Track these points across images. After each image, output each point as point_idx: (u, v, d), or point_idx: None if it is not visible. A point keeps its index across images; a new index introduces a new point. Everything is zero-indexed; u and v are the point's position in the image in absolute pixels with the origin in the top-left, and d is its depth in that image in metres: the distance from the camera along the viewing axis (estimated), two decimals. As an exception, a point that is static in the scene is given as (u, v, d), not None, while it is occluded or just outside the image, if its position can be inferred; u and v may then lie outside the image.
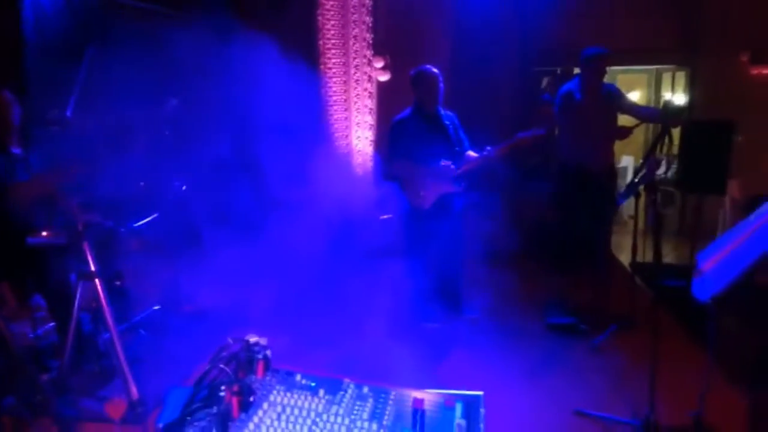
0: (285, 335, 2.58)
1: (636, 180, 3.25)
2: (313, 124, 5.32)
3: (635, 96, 8.58)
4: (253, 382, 1.60)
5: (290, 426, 1.41)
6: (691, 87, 7.28)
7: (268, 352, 1.69)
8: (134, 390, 2.77)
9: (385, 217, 5.56)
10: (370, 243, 4.75)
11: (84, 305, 3.02)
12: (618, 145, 4.93)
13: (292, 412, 1.47)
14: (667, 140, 3.38)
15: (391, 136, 4.19)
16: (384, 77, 6.53)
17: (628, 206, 6.34)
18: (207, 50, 4.71)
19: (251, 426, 1.39)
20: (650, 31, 6.97)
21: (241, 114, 4.81)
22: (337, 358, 3.26)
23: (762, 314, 2.80)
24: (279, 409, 1.49)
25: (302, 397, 1.54)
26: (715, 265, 1.84)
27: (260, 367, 1.66)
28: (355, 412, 1.50)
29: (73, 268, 3.05)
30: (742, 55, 6.62)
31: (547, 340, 4.10)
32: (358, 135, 6.44)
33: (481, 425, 1.50)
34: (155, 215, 3.51)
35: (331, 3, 5.98)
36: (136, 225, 3.38)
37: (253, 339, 1.69)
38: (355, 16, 6.23)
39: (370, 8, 6.28)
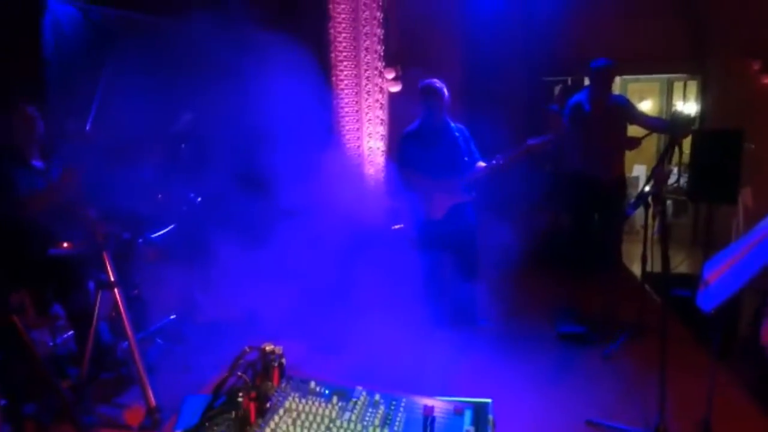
0: (297, 343, 2.64)
1: (645, 190, 3.28)
2: (324, 135, 5.39)
3: (647, 105, 8.59)
4: (269, 389, 1.65)
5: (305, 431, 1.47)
6: (703, 96, 7.28)
7: (283, 361, 1.75)
8: (151, 397, 2.84)
9: (397, 227, 5.60)
10: (382, 252, 4.80)
11: (103, 314, 3.10)
12: (630, 154, 4.96)
13: (306, 418, 1.52)
14: (677, 150, 3.41)
15: (400, 148, 4.26)
16: (395, 88, 6.60)
17: (640, 216, 6.36)
18: (219, 64, 4.81)
19: (268, 431, 1.45)
20: (661, 40, 6.98)
21: (254, 126, 4.89)
22: (349, 365, 3.30)
23: None
24: (294, 415, 1.54)
25: (316, 404, 1.59)
26: (720, 277, 1.87)
27: (276, 374, 1.71)
28: (367, 418, 1.54)
29: (92, 278, 3.14)
30: (754, 64, 6.62)
31: (558, 349, 4.12)
32: (370, 146, 6.51)
33: (490, 432, 1.55)
34: (171, 227, 3.59)
35: (343, 16, 6.07)
36: (152, 236, 3.45)
37: (269, 347, 1.74)
38: (366, 28, 6.31)
39: (381, 21, 6.36)
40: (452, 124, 4.19)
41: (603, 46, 5.90)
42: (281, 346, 1.79)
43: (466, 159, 4.12)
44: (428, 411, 1.52)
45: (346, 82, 6.16)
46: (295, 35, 4.97)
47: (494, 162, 4.03)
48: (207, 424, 1.55)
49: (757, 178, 5.39)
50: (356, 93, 6.33)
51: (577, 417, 3.19)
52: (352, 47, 6.21)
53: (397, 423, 1.54)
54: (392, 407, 1.62)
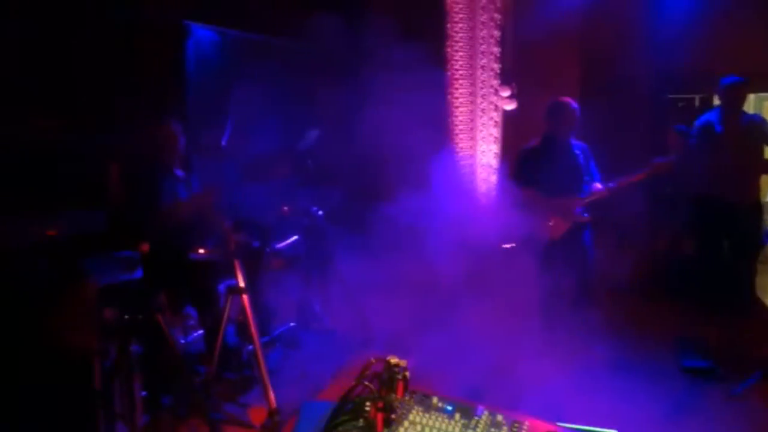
0: (409, 356, 2.66)
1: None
2: (438, 152, 5.45)
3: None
4: (394, 400, 1.70)
5: (430, 445, 1.50)
6: None
7: (407, 374, 1.80)
8: (273, 400, 2.99)
9: (508, 246, 5.54)
10: (496, 269, 4.77)
11: (231, 317, 3.32)
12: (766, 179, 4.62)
13: (431, 432, 1.55)
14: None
15: (519, 165, 4.22)
16: (510, 106, 6.55)
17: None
18: (343, 83, 5.02)
19: (395, 441, 1.49)
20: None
21: (373, 142, 5.05)
22: (461, 381, 3.31)
23: None
24: (419, 428, 1.59)
25: (439, 420, 1.63)
26: None
27: (400, 387, 1.76)
28: (490, 438, 1.56)
29: (223, 283, 3.38)
30: None
31: (681, 384, 3.89)
32: (483, 163, 6.50)
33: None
34: (295, 238, 3.77)
35: (461, 35, 6.14)
36: (278, 246, 3.65)
37: (393, 360, 1.80)
38: (483, 47, 6.33)
39: (498, 39, 6.36)
40: (574, 142, 4.11)
41: (732, 61, 5.55)
42: (406, 360, 1.85)
43: (586, 179, 4.02)
44: (554, 436, 1.51)
45: (461, 100, 6.21)
46: (414, 55, 5.10)
47: (613, 183, 3.90)
48: (335, 429, 1.62)
49: None
50: (471, 111, 6.35)
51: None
52: (468, 65, 6.26)
53: (520, 446, 1.54)
54: (514, 429, 1.63)
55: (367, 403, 1.63)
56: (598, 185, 4.01)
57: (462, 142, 6.25)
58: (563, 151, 4.07)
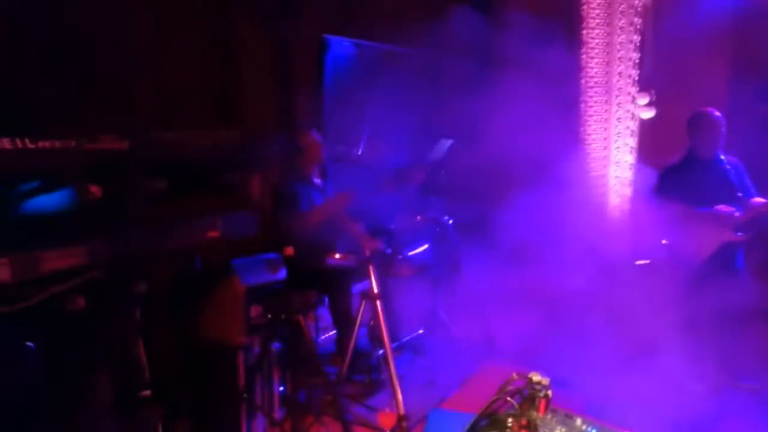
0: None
1: None
2: (570, 162, 5.29)
3: None
4: (536, 419, 1.67)
5: (577, 469, 1.45)
6: None
7: (550, 392, 1.76)
8: (402, 405, 3.03)
9: (642, 262, 5.26)
10: (628, 286, 4.55)
11: (363, 322, 3.42)
12: None
13: (577, 455, 1.50)
14: None
15: (662, 182, 3.99)
16: (648, 115, 6.21)
17: None
18: (475, 93, 5.01)
19: (540, 461, 1.46)
20: None
21: (502, 153, 5.00)
22: (589, 401, 3.18)
23: None
24: (563, 449, 1.54)
25: (585, 442, 1.57)
26: None
27: (542, 405, 1.72)
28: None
29: (357, 288, 3.49)
30: None
31: None
32: (617, 175, 6.20)
33: None
34: (425, 246, 3.82)
35: (597, 41, 5.92)
36: (409, 254, 3.71)
37: (536, 377, 1.77)
38: (621, 53, 6.06)
39: (637, 44, 6.06)
40: (723, 157, 3.82)
41: None
42: (548, 378, 1.81)
43: (739, 195, 3.72)
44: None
45: (595, 108, 5.98)
46: (547, 63, 4.99)
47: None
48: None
49: None
50: (606, 120, 6.09)
51: None
52: (603, 72, 6.01)
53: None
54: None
55: (510, 420, 1.62)
56: (759, 199, 3.68)
57: (595, 152, 6.00)
58: (710, 167, 3.79)
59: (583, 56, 5.82)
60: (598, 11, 5.92)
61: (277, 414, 3.06)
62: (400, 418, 2.97)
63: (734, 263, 3.74)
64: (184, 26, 3.33)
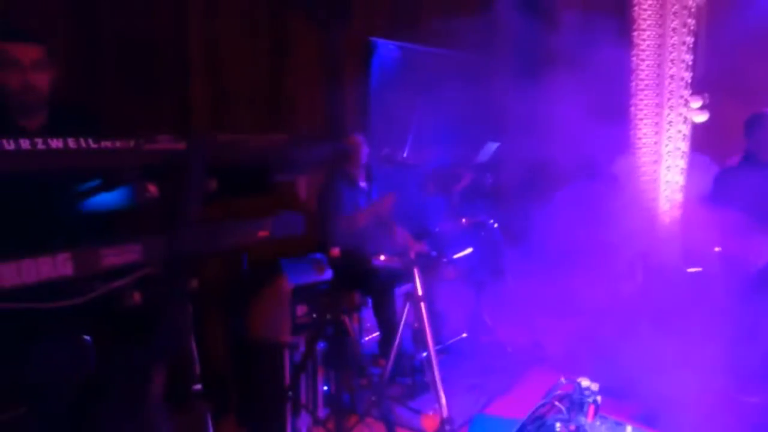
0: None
1: None
2: (620, 166, 5.19)
3: None
4: (584, 424, 1.65)
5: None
6: None
7: (599, 398, 1.73)
8: (445, 408, 3.02)
9: (694, 270, 5.11)
10: (678, 294, 4.44)
11: (407, 323, 3.42)
12: None
13: (628, 463, 1.48)
14: None
15: (718, 186, 3.87)
16: (701, 118, 6.04)
17: None
18: (520, 94, 4.97)
19: (590, 468, 1.45)
20: None
21: (550, 156, 4.93)
22: (640, 411, 3.12)
23: None
24: (613, 457, 1.52)
25: (635, 450, 1.55)
26: None
27: (591, 411, 1.70)
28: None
29: (402, 290, 3.50)
30: None
31: None
32: (668, 179, 6.04)
33: None
34: (470, 249, 3.80)
35: (648, 43, 5.78)
36: (454, 256, 3.70)
37: (585, 382, 1.75)
38: (673, 54, 5.90)
39: (691, 45, 5.89)
40: (785, 161, 3.69)
41: None
42: (597, 383, 1.78)
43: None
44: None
45: (645, 111, 5.84)
46: (597, 65, 4.91)
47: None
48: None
49: None
50: (656, 123, 5.94)
51: None
52: (655, 75, 5.87)
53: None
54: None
55: (558, 425, 1.60)
56: None
57: (645, 156, 5.86)
58: (769, 171, 3.66)
59: (634, 58, 5.70)
60: (649, 12, 5.79)
61: (321, 413, 3.09)
62: (444, 421, 2.96)
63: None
64: (238, 29, 3.41)
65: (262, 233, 2.19)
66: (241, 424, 3.06)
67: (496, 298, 4.05)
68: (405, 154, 3.82)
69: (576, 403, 1.71)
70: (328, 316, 2.76)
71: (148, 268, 1.82)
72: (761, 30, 5.82)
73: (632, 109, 5.73)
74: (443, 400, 3.05)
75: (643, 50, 5.77)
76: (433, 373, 3.12)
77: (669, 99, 6.00)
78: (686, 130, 6.07)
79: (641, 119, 5.88)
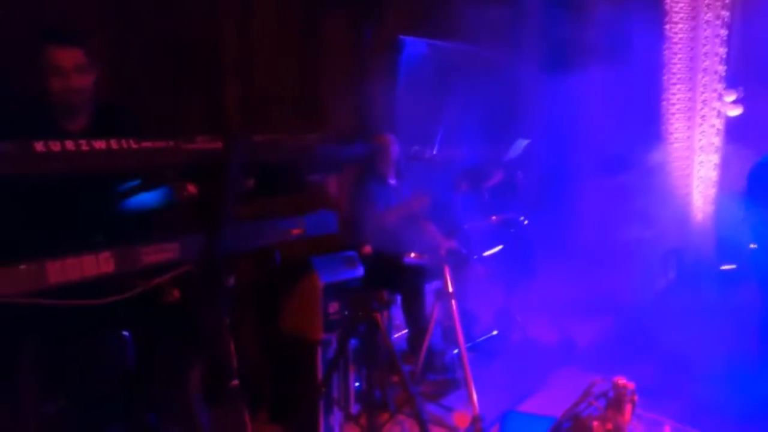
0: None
1: None
2: (651, 161, 5.11)
3: None
4: (621, 423, 1.64)
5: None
6: None
7: (635, 397, 1.72)
8: (477, 405, 3.03)
9: (727, 267, 5.02)
10: (712, 291, 4.37)
11: (437, 321, 3.43)
12: None
13: (669, 462, 1.47)
14: None
15: (752, 182, 3.79)
16: (735, 112, 5.91)
17: None
18: (550, 90, 4.93)
19: (630, 466, 1.44)
20: None
21: (581, 152, 4.90)
22: (677, 410, 3.07)
23: None
24: (652, 456, 1.51)
25: (675, 450, 1.53)
26: None
27: (628, 409, 1.69)
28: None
29: (432, 287, 3.51)
30: None
31: None
32: (701, 175, 5.93)
33: None
34: (500, 246, 3.79)
35: (680, 36, 5.68)
36: (484, 254, 3.70)
37: (621, 381, 1.74)
38: (706, 47, 5.79)
39: (725, 38, 5.77)
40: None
41: None
42: (633, 382, 1.77)
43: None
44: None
45: (678, 106, 5.74)
46: (628, 59, 4.85)
47: None
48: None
49: None
50: (689, 118, 5.83)
51: None
52: (688, 68, 5.76)
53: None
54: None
55: (595, 423, 1.59)
56: None
57: (678, 151, 5.76)
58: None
59: (666, 52, 5.61)
60: (682, 5, 5.68)
61: (353, 409, 3.12)
62: (475, 419, 2.96)
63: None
64: (270, 29, 3.44)
65: (296, 231, 2.22)
66: (274, 420, 3.10)
67: (526, 296, 4.03)
68: (434, 152, 3.82)
69: (613, 401, 1.70)
70: (360, 313, 2.77)
71: (186, 266, 1.86)
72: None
73: (664, 103, 5.64)
74: (474, 397, 3.05)
75: (675, 43, 5.67)
76: (463, 370, 3.13)
77: (702, 93, 5.89)
78: (720, 124, 5.95)
79: (674, 114, 5.78)
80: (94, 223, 1.91)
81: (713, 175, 5.95)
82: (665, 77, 5.64)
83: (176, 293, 1.84)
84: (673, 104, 5.72)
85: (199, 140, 1.77)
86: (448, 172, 3.60)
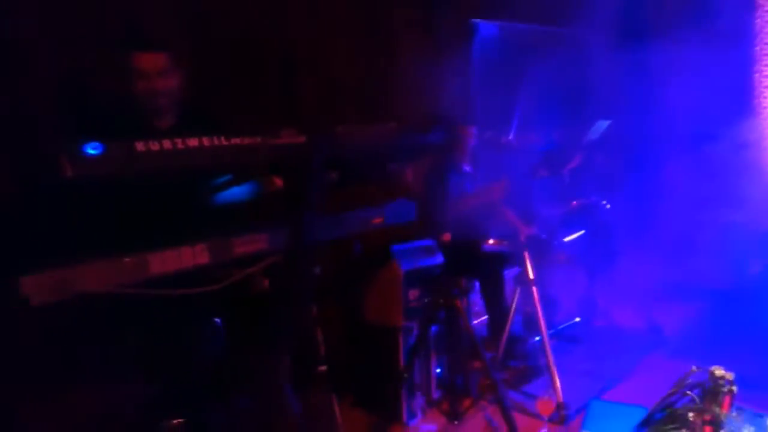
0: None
1: None
2: (742, 139, 4.82)
3: None
4: (721, 415, 1.58)
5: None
6: None
7: (734, 388, 1.65)
8: (560, 393, 2.99)
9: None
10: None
11: (518, 308, 3.40)
12: None
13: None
14: None
15: None
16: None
17: None
18: (630, 68, 4.73)
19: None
20: None
21: (663, 132, 4.68)
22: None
23: None
24: (755, 449, 1.45)
25: (780, 443, 1.46)
26: None
27: (726, 401, 1.62)
28: None
29: (511, 273, 3.48)
30: None
31: None
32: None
33: None
34: (582, 231, 3.70)
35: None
36: (565, 239, 3.62)
37: (718, 371, 1.67)
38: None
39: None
40: None
41: None
42: (732, 372, 1.70)
43: None
44: None
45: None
46: (715, 29, 4.60)
47: None
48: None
49: None
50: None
51: None
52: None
53: None
54: None
55: (691, 414, 1.54)
56: None
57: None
58: None
59: (758, 20, 5.26)
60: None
61: (435, 395, 3.15)
62: (559, 406, 2.92)
63: None
64: (341, 18, 3.47)
65: (377, 220, 2.25)
66: (357, 406, 3.17)
67: (609, 282, 3.91)
68: (510, 137, 3.75)
69: (709, 392, 1.65)
70: (441, 300, 2.79)
71: (275, 256, 1.93)
72: None
73: (756, 75, 5.30)
74: (558, 385, 3.01)
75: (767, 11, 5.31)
76: (546, 357, 3.09)
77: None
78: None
79: (766, 87, 5.43)
80: (189, 216, 2.01)
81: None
82: (757, 48, 5.30)
83: (265, 283, 1.91)
84: (766, 76, 5.37)
85: (284, 135, 1.82)
86: (525, 157, 3.53)
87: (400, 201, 2.41)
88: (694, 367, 1.71)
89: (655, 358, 3.57)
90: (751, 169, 4.75)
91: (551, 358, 3.05)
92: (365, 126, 2.06)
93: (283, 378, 2.16)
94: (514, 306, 3.30)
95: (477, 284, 3.51)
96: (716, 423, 1.49)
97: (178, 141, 1.61)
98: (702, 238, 4.34)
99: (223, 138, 1.69)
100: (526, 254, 3.16)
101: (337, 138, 1.86)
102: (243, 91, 3.03)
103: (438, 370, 3.16)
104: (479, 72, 4.55)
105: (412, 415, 3.02)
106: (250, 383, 2.28)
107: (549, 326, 3.32)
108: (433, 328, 3.00)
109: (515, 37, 4.75)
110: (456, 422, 2.98)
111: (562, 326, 3.83)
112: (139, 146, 1.54)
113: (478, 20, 4.53)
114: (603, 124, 3.62)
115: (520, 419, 2.94)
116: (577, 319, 3.93)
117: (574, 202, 3.71)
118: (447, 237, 3.11)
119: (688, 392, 1.60)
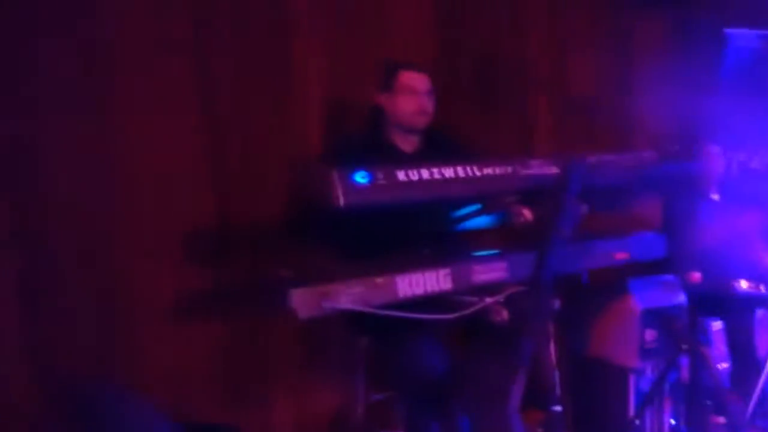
0: None
1: None
2: None
3: None
4: None
5: None
6: None
7: None
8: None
9: None
10: None
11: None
12: None
13: None
14: None
15: None
16: None
17: None
18: None
19: None
20: None
21: None
22: None
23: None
24: None
25: None
26: None
27: None
28: None
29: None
30: None
31: None
32: None
33: None
34: None
35: None
36: None
37: None
38: None
39: None
40: None
41: None
42: None
43: None
44: None
45: None
46: None
47: None
48: None
49: None
50: None
51: None
52: None
53: None
54: None
55: None
56: None
57: None
58: None
59: None
60: None
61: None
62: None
63: None
64: (579, 36, 3.35)
65: (620, 255, 2.11)
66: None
67: None
68: (766, 160, 3.28)
69: None
70: (685, 346, 2.53)
71: (516, 286, 1.89)
72: None
73: None
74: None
75: None
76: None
77: None
78: None
79: None
80: (436, 242, 2.06)
81: None
82: None
83: (505, 314, 1.88)
84: None
85: (533, 165, 1.78)
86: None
87: (648, 234, 2.24)
88: None
89: None
90: None
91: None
92: (621, 154, 1.94)
93: (512, 409, 2.10)
94: (768, 356, 2.87)
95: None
96: None
97: (435, 171, 1.64)
98: None
99: (476, 167, 1.69)
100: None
101: (592, 168, 1.77)
102: (479, 111, 3.05)
103: (672, 422, 2.86)
104: (733, 88, 4.06)
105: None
106: (474, 406, 2.26)
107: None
108: (672, 375, 2.73)
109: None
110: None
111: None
112: (401, 175, 1.61)
113: (732, 30, 4.06)
114: None
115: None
116: None
117: None
118: (696, 277, 2.79)
119: None
